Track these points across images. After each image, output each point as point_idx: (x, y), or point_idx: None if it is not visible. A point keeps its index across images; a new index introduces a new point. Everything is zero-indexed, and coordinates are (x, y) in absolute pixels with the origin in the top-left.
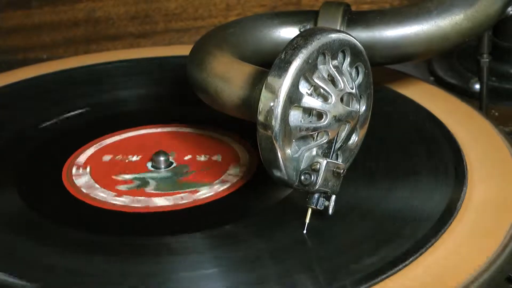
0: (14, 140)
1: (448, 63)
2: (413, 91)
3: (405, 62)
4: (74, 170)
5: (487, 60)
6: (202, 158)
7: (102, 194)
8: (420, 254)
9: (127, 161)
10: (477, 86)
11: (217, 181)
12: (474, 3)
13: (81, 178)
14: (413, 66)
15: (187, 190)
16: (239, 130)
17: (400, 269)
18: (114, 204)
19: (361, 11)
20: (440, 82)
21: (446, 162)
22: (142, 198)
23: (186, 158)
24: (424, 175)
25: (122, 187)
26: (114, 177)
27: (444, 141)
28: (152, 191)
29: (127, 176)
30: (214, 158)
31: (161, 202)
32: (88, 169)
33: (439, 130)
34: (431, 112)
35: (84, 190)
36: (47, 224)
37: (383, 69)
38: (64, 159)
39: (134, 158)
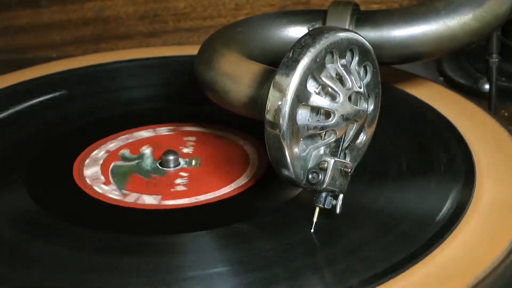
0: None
1: (458, 63)
2: (422, 92)
3: (414, 61)
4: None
5: (496, 60)
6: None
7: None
8: (429, 254)
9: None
10: (487, 86)
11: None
12: (483, 3)
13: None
14: (423, 66)
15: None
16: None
17: (408, 269)
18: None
19: (370, 11)
20: (449, 82)
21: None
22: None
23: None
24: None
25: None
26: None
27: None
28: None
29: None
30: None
31: None
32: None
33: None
34: (440, 112)
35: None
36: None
37: (392, 69)
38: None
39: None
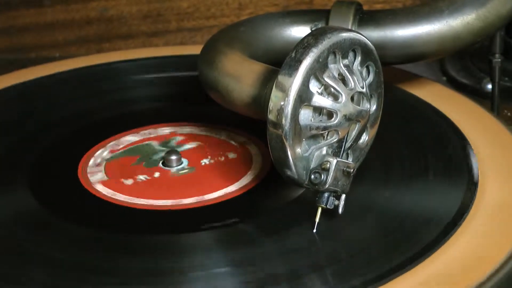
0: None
1: (461, 63)
2: (425, 92)
3: (417, 61)
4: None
5: (499, 60)
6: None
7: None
8: (431, 255)
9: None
10: (490, 86)
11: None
12: (486, 3)
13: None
14: (426, 66)
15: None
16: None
17: (410, 270)
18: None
19: (373, 10)
20: (452, 82)
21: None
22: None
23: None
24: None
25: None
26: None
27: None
28: None
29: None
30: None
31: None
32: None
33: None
34: (443, 113)
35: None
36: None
37: (394, 69)
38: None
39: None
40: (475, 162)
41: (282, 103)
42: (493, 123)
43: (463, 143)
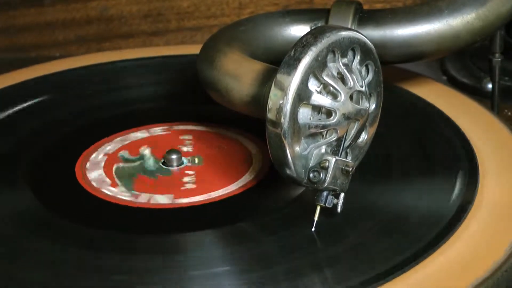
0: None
1: (461, 62)
2: (425, 91)
3: (416, 61)
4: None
5: (499, 59)
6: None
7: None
8: (431, 254)
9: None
10: (490, 86)
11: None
12: (486, 2)
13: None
14: (426, 66)
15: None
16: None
17: (410, 270)
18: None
19: (373, 10)
20: (452, 82)
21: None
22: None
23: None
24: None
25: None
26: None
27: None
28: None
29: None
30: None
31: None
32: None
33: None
34: (443, 111)
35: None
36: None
37: (394, 68)
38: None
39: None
40: (475, 161)
41: (281, 101)
42: (493, 122)
43: (463, 142)
